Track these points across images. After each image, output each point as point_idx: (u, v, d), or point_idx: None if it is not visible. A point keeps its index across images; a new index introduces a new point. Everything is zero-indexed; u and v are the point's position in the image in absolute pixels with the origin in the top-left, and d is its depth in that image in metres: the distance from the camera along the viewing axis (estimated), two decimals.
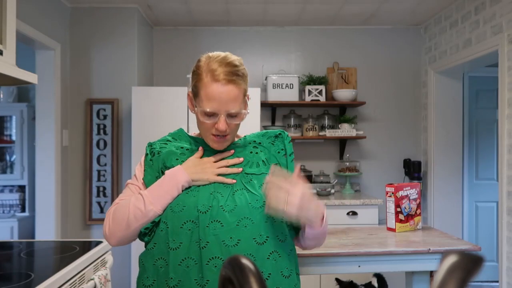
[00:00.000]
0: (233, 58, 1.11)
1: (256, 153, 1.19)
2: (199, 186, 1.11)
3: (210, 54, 1.13)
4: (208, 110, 1.07)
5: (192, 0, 3.24)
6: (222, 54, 1.12)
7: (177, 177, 1.10)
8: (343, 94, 3.66)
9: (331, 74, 3.88)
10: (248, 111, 1.16)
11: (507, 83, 2.69)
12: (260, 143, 1.22)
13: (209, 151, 1.19)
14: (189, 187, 1.11)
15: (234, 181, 1.12)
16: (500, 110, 2.77)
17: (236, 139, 1.24)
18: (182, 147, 1.20)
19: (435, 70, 3.66)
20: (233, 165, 1.16)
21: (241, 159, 1.16)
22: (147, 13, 3.53)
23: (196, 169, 1.12)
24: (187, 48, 3.87)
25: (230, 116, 1.10)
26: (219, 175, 1.13)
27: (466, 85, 4.06)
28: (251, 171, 1.15)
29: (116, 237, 1.12)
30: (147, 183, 1.16)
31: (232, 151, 1.18)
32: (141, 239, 1.13)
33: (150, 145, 1.23)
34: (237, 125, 1.15)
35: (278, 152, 1.21)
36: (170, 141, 1.23)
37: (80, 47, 3.34)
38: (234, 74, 1.07)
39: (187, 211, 1.06)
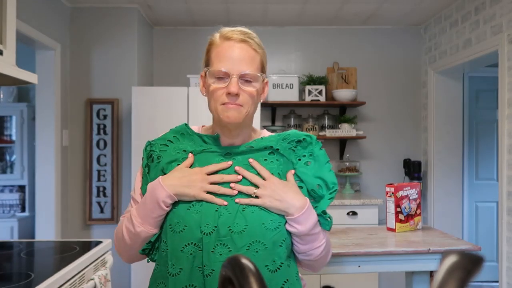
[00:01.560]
0: (247, 29, 1.01)
1: (271, 161, 1.00)
2: (202, 200, 0.94)
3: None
4: (218, 69, 0.94)
5: (192, 0, 3.24)
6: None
7: (156, 193, 0.94)
8: (343, 94, 3.66)
9: (331, 74, 3.87)
10: (265, 78, 1.03)
11: (507, 83, 2.69)
12: (277, 149, 1.00)
13: (213, 155, 1.00)
14: (191, 201, 0.95)
15: (225, 203, 0.93)
16: (500, 110, 2.77)
17: (250, 140, 1.05)
18: (184, 150, 1.01)
19: (435, 70, 3.66)
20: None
21: (239, 177, 0.96)
22: (147, 13, 3.53)
23: (182, 181, 0.94)
24: (187, 48, 3.87)
25: (244, 80, 0.96)
26: (209, 192, 0.95)
27: (466, 85, 4.05)
28: None
29: (124, 256, 1.07)
30: (144, 192, 1.02)
31: (230, 162, 0.98)
32: (150, 259, 1.03)
33: (149, 144, 1.06)
34: (253, 97, 0.98)
35: (299, 160, 1.01)
36: (172, 141, 1.04)
37: (80, 47, 3.35)
38: (249, 37, 0.97)
39: (189, 232, 0.91)
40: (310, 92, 3.66)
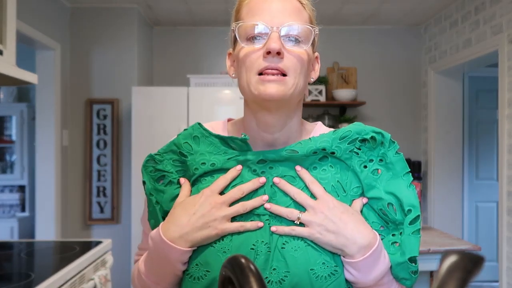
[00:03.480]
0: None
1: (324, 169, 0.70)
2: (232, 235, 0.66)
3: None
4: (252, 23, 0.67)
5: (192, 0, 3.24)
6: None
7: (164, 253, 0.67)
8: (343, 94, 3.66)
9: (331, 74, 3.88)
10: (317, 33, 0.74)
11: (507, 83, 2.69)
12: (333, 153, 0.70)
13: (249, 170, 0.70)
14: (220, 236, 0.67)
15: (261, 224, 0.66)
16: (500, 110, 2.77)
17: (299, 138, 0.74)
18: (204, 163, 0.71)
19: (435, 70, 3.66)
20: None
21: (265, 197, 0.68)
22: (147, 13, 3.53)
23: (193, 224, 0.66)
24: (187, 48, 3.87)
25: (289, 39, 0.68)
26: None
27: (466, 85, 4.05)
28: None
29: None
30: (152, 228, 0.74)
31: (263, 179, 0.69)
32: None
33: (152, 159, 0.74)
34: (303, 63, 0.70)
35: (365, 167, 0.70)
36: (186, 156, 0.72)
37: (80, 47, 3.35)
38: None
39: (212, 280, 0.65)
40: (310, 92, 3.66)
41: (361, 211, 0.69)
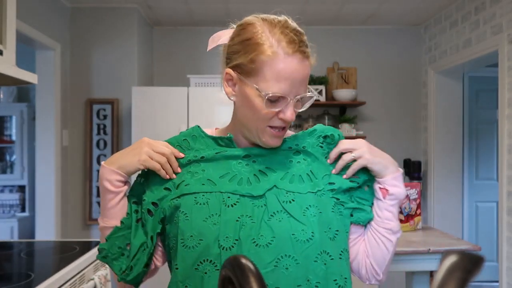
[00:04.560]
0: (294, 24, 0.86)
1: (298, 162, 0.86)
2: (220, 209, 0.80)
3: (262, 16, 0.87)
4: (278, 93, 0.77)
5: (192, 0, 3.24)
6: (278, 17, 0.86)
7: (100, 177, 0.85)
8: (343, 94, 3.66)
9: (331, 74, 3.88)
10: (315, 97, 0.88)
11: (507, 83, 2.69)
12: (304, 147, 0.88)
13: (229, 158, 0.86)
14: (210, 213, 0.80)
15: (173, 176, 0.84)
16: (500, 110, 2.76)
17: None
18: (195, 156, 0.87)
19: (435, 70, 3.66)
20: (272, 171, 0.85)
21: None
22: (147, 13, 3.53)
23: (127, 151, 0.85)
24: (187, 48, 3.87)
25: (299, 102, 0.83)
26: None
27: (466, 85, 4.05)
28: (292, 188, 0.83)
29: None
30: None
31: (182, 154, 0.86)
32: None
33: (143, 178, 0.89)
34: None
35: (325, 158, 0.88)
36: (184, 150, 0.88)
37: (80, 47, 3.35)
38: (306, 46, 0.82)
39: (205, 247, 0.78)
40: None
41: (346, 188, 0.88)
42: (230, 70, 0.83)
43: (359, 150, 0.85)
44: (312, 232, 0.79)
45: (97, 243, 1.80)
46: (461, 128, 3.78)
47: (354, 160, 0.86)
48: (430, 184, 3.73)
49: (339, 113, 3.89)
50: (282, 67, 0.77)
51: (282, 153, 0.86)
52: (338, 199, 0.86)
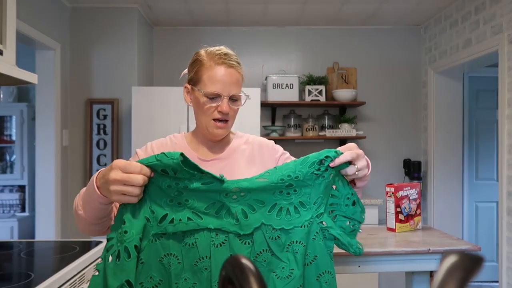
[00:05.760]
0: (229, 50, 1.16)
1: (288, 193, 0.88)
2: (210, 251, 0.84)
3: (207, 49, 1.17)
4: (212, 91, 1.09)
5: (192, 0, 3.24)
6: (217, 46, 1.16)
7: (92, 194, 0.94)
8: (343, 94, 3.66)
9: (331, 74, 3.88)
10: (249, 96, 1.16)
11: (507, 83, 2.69)
12: (297, 177, 0.88)
13: (215, 192, 0.86)
14: (200, 255, 0.84)
15: (135, 200, 0.83)
16: (500, 110, 2.77)
17: (226, 140, 1.20)
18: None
19: (435, 70, 3.66)
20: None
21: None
22: (147, 13, 3.53)
23: (104, 178, 0.87)
24: (187, 48, 3.87)
25: (232, 99, 1.12)
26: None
27: (466, 85, 4.06)
28: (279, 223, 0.86)
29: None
30: None
31: (152, 174, 0.83)
32: None
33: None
34: (236, 112, 1.15)
35: (321, 182, 0.92)
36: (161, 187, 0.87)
37: (80, 47, 3.35)
38: (234, 61, 1.13)
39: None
40: (310, 92, 3.66)
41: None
42: (187, 84, 1.18)
43: (361, 162, 0.93)
44: (292, 269, 0.84)
45: (97, 243, 1.80)
46: (461, 128, 3.78)
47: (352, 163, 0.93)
48: (430, 184, 3.73)
49: (339, 113, 3.89)
50: (214, 73, 1.10)
51: (272, 186, 0.87)
52: (323, 222, 0.90)
